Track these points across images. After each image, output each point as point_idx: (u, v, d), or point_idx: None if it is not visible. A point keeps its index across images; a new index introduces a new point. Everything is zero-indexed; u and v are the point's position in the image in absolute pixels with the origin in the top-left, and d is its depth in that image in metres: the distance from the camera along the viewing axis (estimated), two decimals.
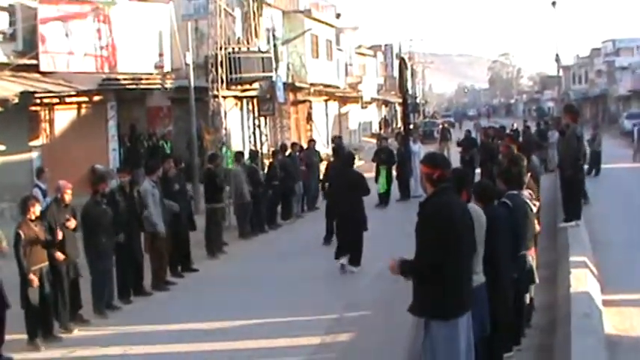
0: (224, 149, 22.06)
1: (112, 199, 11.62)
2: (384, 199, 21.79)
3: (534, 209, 8.85)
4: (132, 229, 11.98)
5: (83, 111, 21.37)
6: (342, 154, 15.67)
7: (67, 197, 10.44)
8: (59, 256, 10.02)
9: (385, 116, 68.36)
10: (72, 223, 10.30)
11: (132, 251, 11.94)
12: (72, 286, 10.44)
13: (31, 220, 9.68)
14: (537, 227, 9.31)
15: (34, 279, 9.49)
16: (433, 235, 5.61)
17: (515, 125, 34.56)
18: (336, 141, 18.76)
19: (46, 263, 9.80)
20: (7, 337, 9.21)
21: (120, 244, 11.60)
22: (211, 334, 9.92)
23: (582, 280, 9.66)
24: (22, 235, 9.48)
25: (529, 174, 9.78)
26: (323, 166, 21.57)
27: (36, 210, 9.75)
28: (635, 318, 9.41)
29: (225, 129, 23.39)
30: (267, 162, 20.69)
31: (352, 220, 13.36)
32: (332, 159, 14.68)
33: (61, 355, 9.38)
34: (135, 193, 12.39)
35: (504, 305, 7.25)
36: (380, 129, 61.35)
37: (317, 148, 24.09)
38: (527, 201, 8.55)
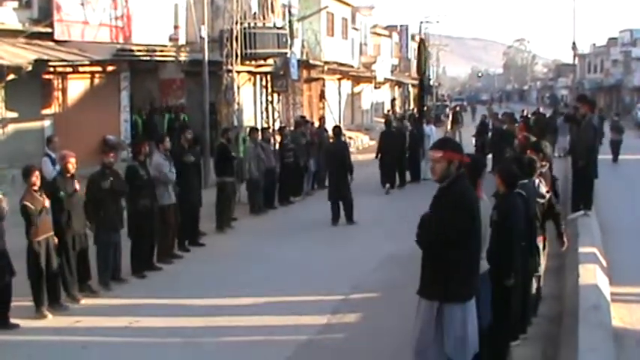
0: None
1: (135, 173, 11.66)
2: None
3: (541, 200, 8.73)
4: (152, 203, 12.01)
5: (96, 81, 21.31)
6: (391, 128, 22.42)
7: (71, 167, 10.37)
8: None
9: (394, 97, 67.70)
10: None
11: (150, 225, 11.94)
12: (81, 257, 10.45)
13: (35, 191, 9.65)
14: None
15: (39, 249, 9.51)
16: (457, 218, 5.67)
17: (525, 112, 34.23)
18: (388, 126, 22.58)
19: (51, 233, 9.78)
20: (13, 303, 9.24)
21: (139, 218, 11.67)
22: (217, 310, 9.92)
23: (591, 271, 9.60)
24: (31, 206, 9.46)
25: (547, 164, 9.65)
26: None
27: (37, 180, 9.67)
28: None
29: (238, 104, 23.30)
30: (278, 138, 20.62)
31: (399, 160, 21.42)
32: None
33: (67, 324, 9.40)
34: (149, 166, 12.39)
35: (515, 294, 7.20)
36: (391, 109, 60.92)
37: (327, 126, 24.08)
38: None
